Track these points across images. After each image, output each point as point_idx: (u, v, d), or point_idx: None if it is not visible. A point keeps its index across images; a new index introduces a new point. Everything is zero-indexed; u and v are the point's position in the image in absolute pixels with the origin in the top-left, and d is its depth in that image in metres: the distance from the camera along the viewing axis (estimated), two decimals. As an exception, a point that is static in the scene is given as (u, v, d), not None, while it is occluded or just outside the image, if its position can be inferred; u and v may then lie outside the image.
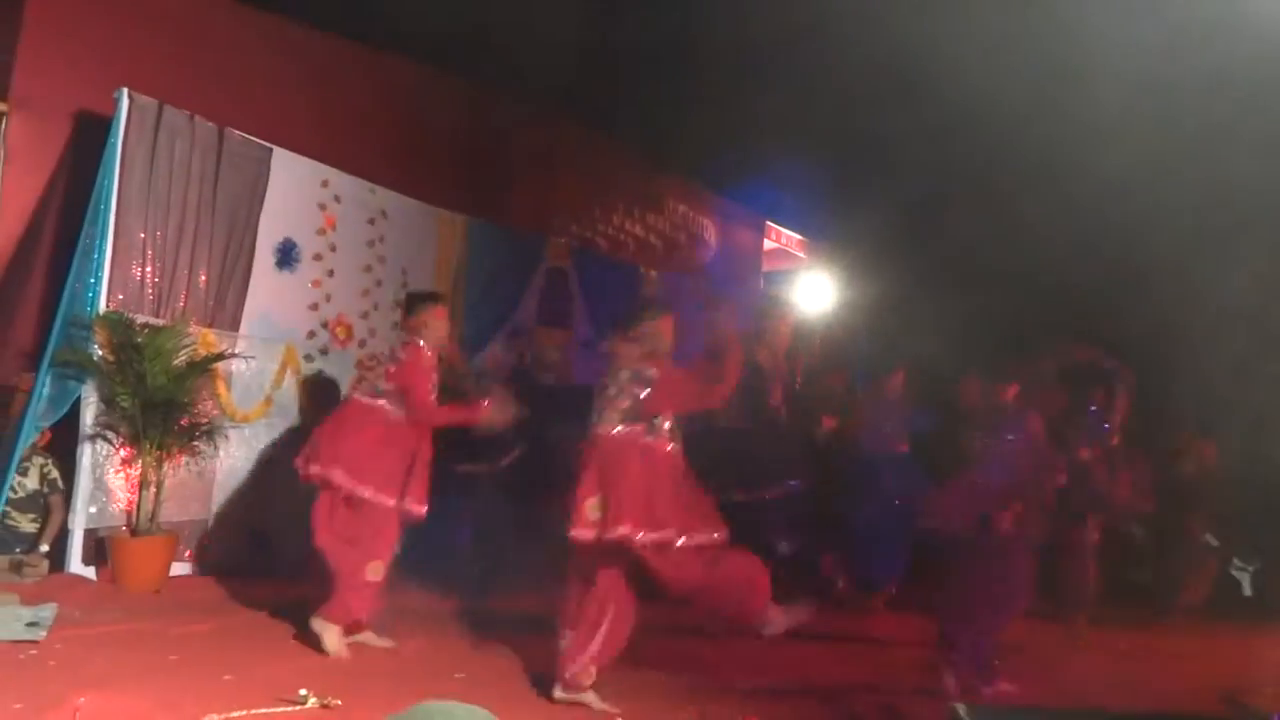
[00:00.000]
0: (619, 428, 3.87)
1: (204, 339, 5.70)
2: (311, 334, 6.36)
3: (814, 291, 10.73)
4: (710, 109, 13.27)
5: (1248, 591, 8.97)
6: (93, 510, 5.33)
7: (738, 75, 13.34)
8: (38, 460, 5.40)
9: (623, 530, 3.66)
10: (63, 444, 5.44)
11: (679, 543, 3.71)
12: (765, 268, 12.44)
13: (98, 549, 5.29)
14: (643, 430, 3.86)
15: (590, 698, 3.83)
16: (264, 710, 3.40)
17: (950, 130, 12.92)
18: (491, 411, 4.66)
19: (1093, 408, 5.99)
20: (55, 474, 5.43)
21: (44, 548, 5.32)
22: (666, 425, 3.91)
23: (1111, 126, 11.26)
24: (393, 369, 4.57)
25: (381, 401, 4.52)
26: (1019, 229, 12.41)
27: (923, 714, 3.99)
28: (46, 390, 5.17)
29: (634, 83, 12.66)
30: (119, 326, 5.22)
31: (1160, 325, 10.74)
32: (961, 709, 1.71)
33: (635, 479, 3.76)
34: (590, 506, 3.75)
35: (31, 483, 5.39)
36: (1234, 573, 9.14)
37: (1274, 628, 7.08)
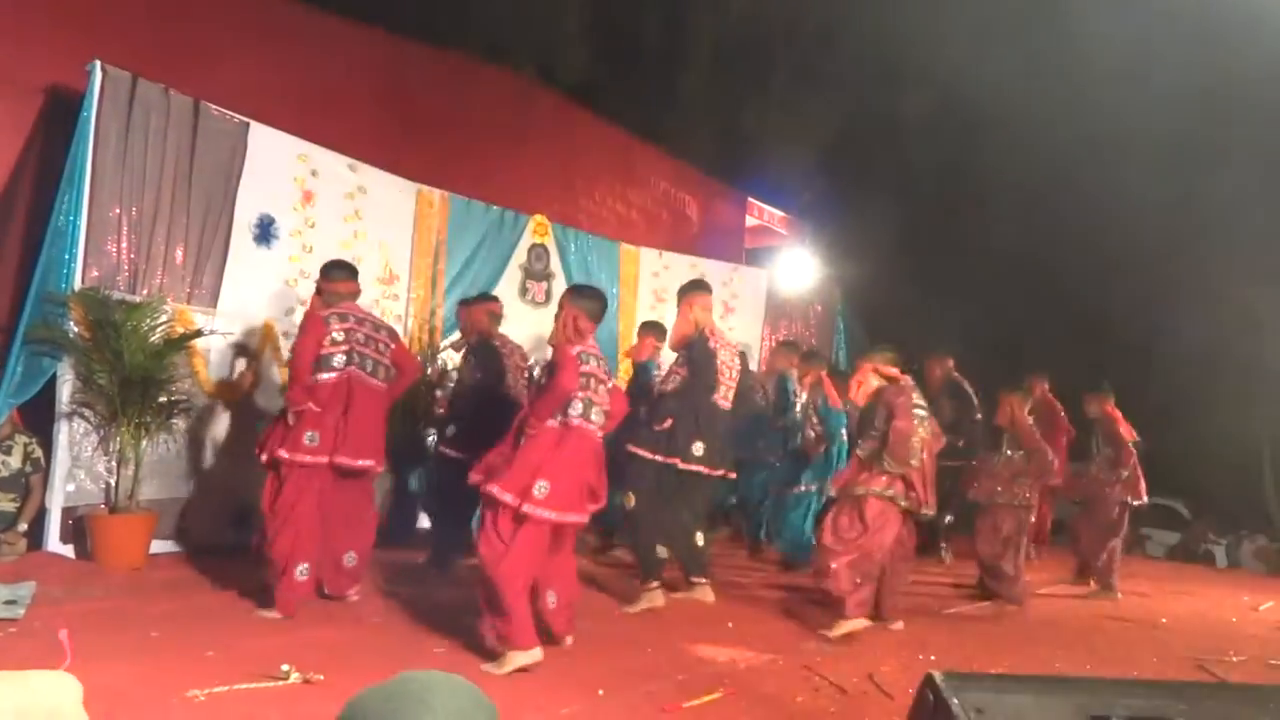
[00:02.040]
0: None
1: (181, 316, 5.66)
2: (290, 310, 6.31)
3: (796, 269, 10.73)
4: (695, 85, 13.26)
5: (1222, 563, 9.14)
6: (70, 488, 5.30)
7: (725, 53, 13.32)
8: (21, 439, 5.36)
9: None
10: (36, 422, 5.39)
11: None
12: (748, 244, 12.43)
13: (76, 527, 5.27)
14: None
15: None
16: (246, 685, 3.40)
17: (943, 116, 12.99)
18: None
19: None
20: (39, 453, 5.39)
21: (22, 526, 5.29)
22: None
23: (1103, 117, 11.34)
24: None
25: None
26: (1009, 217, 12.50)
27: (900, 681, 4.05)
28: (20, 368, 5.11)
29: (617, 58, 12.61)
30: (95, 303, 5.17)
31: (1141, 311, 10.88)
32: (938, 676, 1.73)
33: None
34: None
35: (15, 461, 5.35)
36: (1209, 546, 9.32)
37: (1243, 596, 7.23)
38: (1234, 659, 5.03)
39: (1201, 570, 8.81)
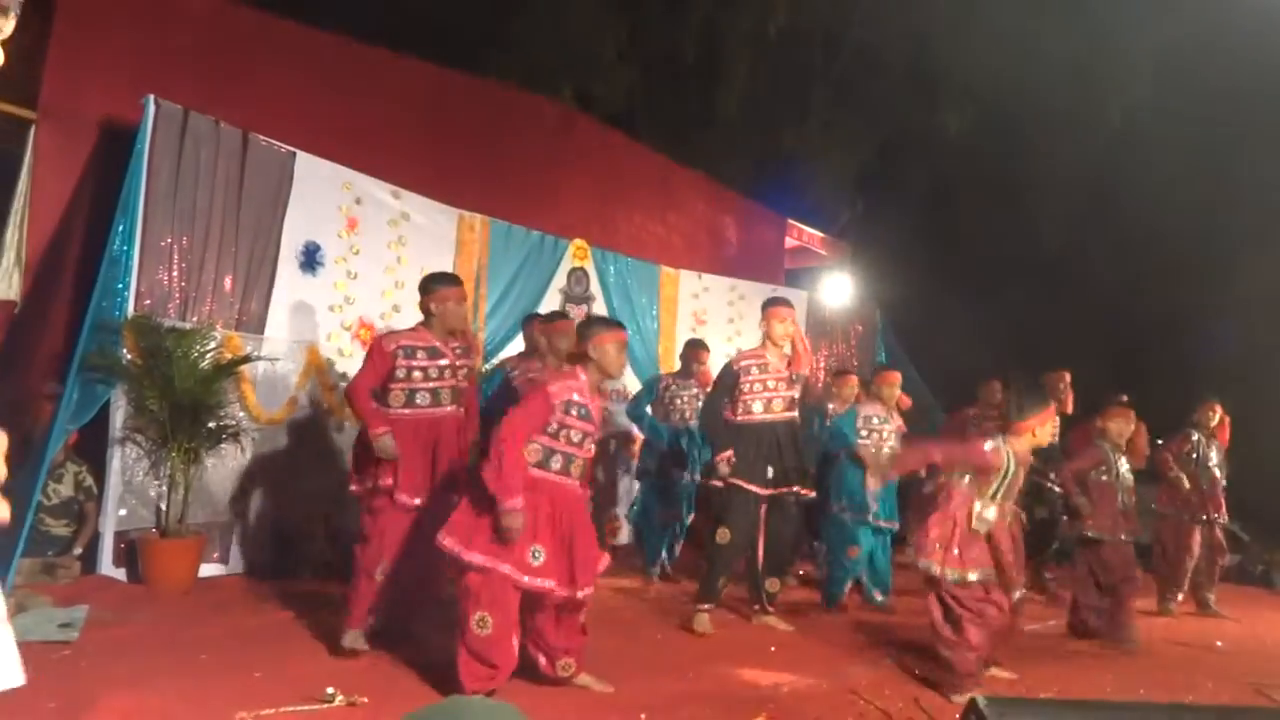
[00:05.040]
0: None
1: (230, 342, 5.77)
2: (331, 336, 6.41)
3: (836, 289, 10.69)
4: (732, 108, 13.30)
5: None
6: (122, 513, 5.41)
7: (762, 76, 13.36)
8: (72, 467, 5.48)
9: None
10: (90, 448, 5.52)
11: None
12: (787, 265, 12.40)
13: (128, 551, 5.37)
14: None
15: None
16: (292, 708, 3.44)
17: (980, 130, 12.90)
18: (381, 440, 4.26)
19: None
20: (90, 481, 5.51)
21: (77, 551, 5.41)
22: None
23: (1143, 125, 11.19)
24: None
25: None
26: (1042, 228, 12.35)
27: (946, 707, 3.99)
28: (75, 395, 5.24)
29: (654, 83, 12.71)
30: (147, 330, 5.29)
31: (1184, 320, 10.67)
32: (982, 700, 1.71)
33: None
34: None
35: (66, 489, 5.47)
36: (1266, 567, 9.06)
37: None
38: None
39: (1260, 592, 8.57)
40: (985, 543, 4.32)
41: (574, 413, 3.90)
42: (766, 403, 5.51)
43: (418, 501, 4.32)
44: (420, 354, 4.43)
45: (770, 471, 5.42)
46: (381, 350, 4.39)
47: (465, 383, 4.67)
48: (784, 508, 5.59)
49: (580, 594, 3.85)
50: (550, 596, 3.81)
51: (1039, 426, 4.44)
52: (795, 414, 5.64)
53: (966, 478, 4.40)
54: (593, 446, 4.03)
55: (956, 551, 4.31)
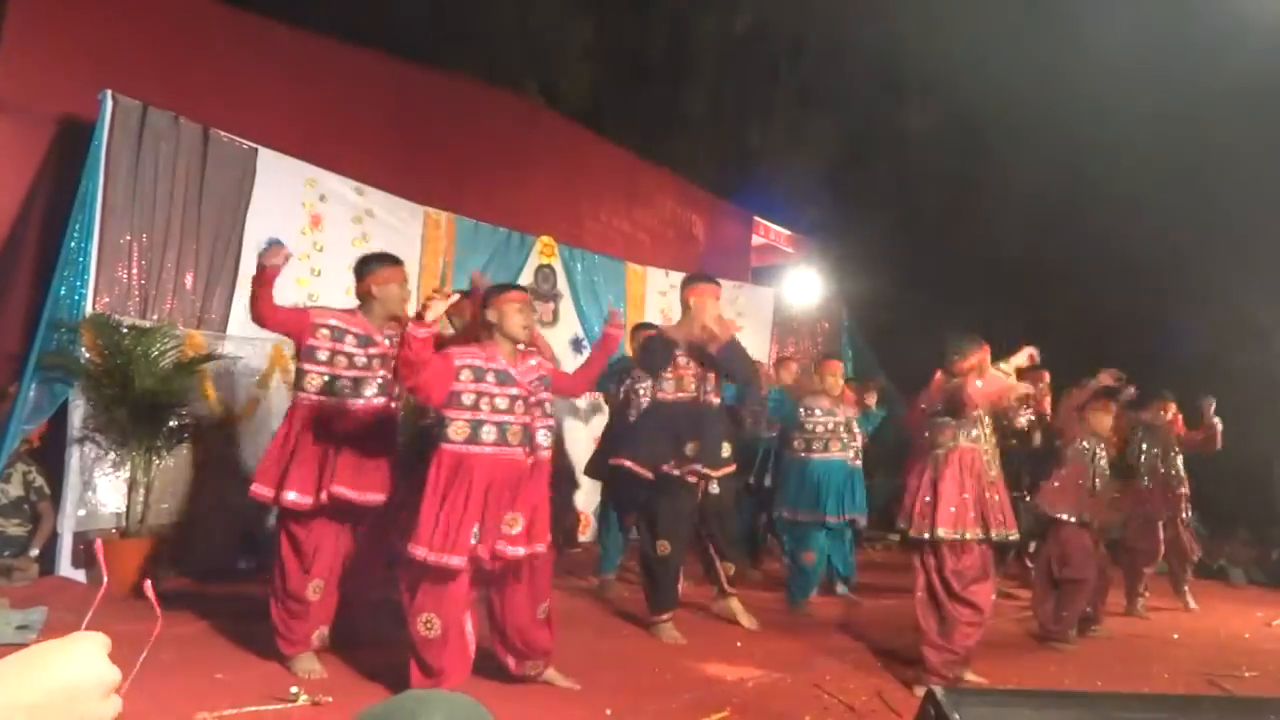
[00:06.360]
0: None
1: (191, 340, 5.71)
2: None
3: (802, 286, 10.76)
4: (699, 105, 13.35)
5: (1238, 579, 9.08)
6: (81, 513, 5.33)
7: (729, 72, 13.41)
8: (20, 467, 5.38)
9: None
10: (47, 448, 5.43)
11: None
12: (754, 263, 12.46)
13: (87, 552, 5.29)
14: None
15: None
16: (255, 708, 3.41)
17: (947, 129, 13.04)
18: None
19: None
20: (40, 481, 5.41)
21: (34, 552, 5.32)
22: None
23: (1109, 125, 11.36)
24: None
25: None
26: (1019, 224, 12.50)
27: (909, 699, 4.04)
28: (32, 394, 5.16)
29: (621, 79, 12.71)
30: (105, 329, 5.22)
31: (1148, 320, 10.85)
32: (939, 691, 1.74)
33: None
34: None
35: (15, 489, 5.37)
36: (1223, 562, 9.25)
37: (1256, 612, 7.17)
38: (1246, 674, 4.99)
39: (1216, 585, 8.73)
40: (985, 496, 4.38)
41: (489, 379, 3.72)
42: (677, 382, 5.21)
43: (309, 501, 3.91)
44: (350, 339, 4.06)
45: (671, 451, 5.08)
46: (306, 317, 4.07)
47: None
48: (706, 494, 5.31)
49: (538, 548, 3.75)
50: (493, 564, 3.66)
51: (980, 364, 4.54)
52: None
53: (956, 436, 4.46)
54: (534, 410, 3.83)
55: (953, 509, 4.35)
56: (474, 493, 3.61)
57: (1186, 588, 7.21)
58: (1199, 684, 4.71)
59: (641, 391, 5.49)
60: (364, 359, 4.10)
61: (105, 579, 1.18)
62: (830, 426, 6.34)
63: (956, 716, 1.73)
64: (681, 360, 5.20)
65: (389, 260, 4.33)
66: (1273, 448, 10.05)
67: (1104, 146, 11.15)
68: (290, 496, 3.90)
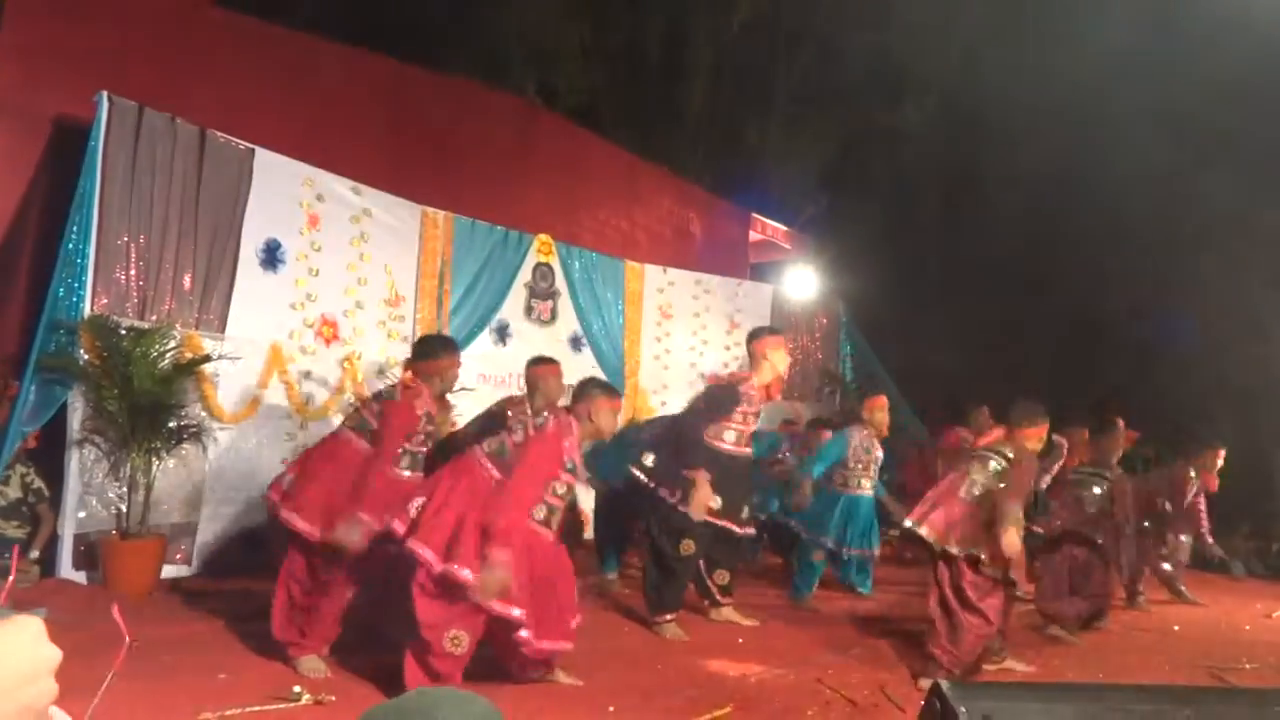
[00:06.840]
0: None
1: (190, 341, 5.71)
2: (293, 334, 6.36)
3: (800, 283, 10.76)
4: (696, 103, 13.35)
5: (1239, 572, 9.09)
6: (82, 515, 5.33)
7: (726, 71, 13.42)
8: (19, 469, 5.39)
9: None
10: (48, 450, 5.43)
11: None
12: (752, 259, 12.47)
13: (88, 553, 5.29)
14: None
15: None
16: (258, 707, 3.41)
17: (943, 126, 13.06)
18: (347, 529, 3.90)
19: None
20: (39, 483, 5.42)
21: (34, 554, 5.32)
22: None
23: (1103, 123, 11.38)
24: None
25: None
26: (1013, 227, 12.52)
27: (911, 693, 4.05)
28: (31, 396, 5.15)
29: (618, 78, 12.72)
30: (104, 330, 5.22)
31: (1143, 317, 10.87)
32: (945, 685, 1.74)
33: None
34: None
35: (13, 491, 5.38)
36: (1224, 555, 9.26)
37: (1256, 604, 7.19)
38: (1247, 666, 5.00)
39: (1217, 579, 8.74)
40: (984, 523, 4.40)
41: (568, 468, 3.92)
42: (739, 435, 5.26)
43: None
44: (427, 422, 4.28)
45: (724, 504, 5.16)
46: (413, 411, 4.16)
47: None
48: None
49: (545, 645, 3.77)
50: (513, 624, 3.66)
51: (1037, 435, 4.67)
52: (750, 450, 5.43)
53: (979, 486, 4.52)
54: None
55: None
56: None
57: (1183, 586, 7.22)
58: (1200, 676, 4.73)
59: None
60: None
61: (128, 640, 1.22)
62: (866, 463, 6.48)
63: (962, 709, 1.73)
64: (743, 415, 5.24)
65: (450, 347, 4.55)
66: (1272, 441, 10.07)
67: (1104, 142, 11.18)
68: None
